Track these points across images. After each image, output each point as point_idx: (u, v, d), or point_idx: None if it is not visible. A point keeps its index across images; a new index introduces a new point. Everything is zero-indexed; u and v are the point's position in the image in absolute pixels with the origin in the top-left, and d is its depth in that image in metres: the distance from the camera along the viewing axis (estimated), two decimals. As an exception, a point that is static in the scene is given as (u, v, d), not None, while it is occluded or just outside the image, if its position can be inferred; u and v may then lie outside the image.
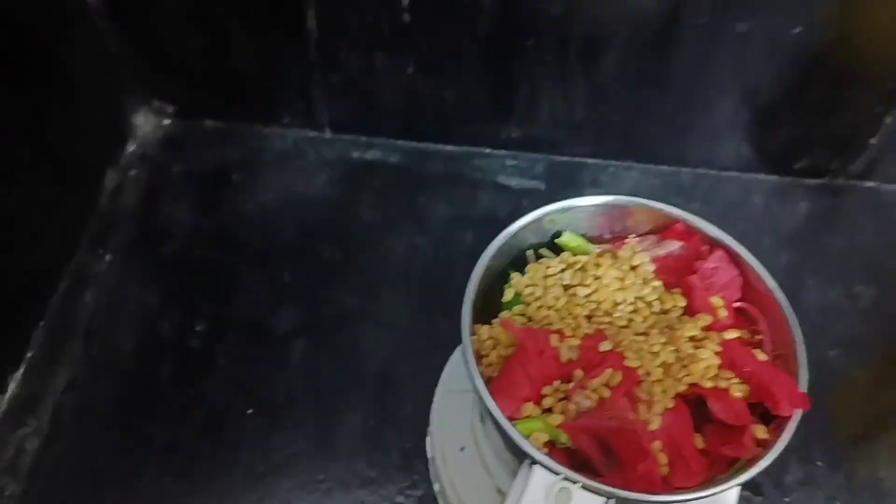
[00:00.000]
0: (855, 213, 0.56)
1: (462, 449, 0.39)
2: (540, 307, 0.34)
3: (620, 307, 0.34)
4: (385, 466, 0.43)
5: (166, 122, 0.57)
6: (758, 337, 0.33)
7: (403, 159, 0.57)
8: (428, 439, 0.42)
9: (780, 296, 0.32)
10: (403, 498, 0.42)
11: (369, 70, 0.52)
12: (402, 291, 0.50)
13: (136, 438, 0.43)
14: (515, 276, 0.36)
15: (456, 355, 0.43)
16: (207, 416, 0.44)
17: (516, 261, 0.37)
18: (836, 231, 0.55)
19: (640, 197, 0.36)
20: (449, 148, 0.58)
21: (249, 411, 0.44)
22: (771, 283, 0.33)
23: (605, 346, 0.31)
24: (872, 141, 0.53)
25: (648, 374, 0.30)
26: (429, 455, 0.42)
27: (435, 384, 0.46)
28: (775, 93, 0.51)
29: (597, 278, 0.34)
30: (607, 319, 0.34)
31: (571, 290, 0.34)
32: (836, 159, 0.55)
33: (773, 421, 0.30)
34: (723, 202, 0.56)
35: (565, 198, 0.36)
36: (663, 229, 0.36)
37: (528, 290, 0.35)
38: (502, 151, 0.58)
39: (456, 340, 0.47)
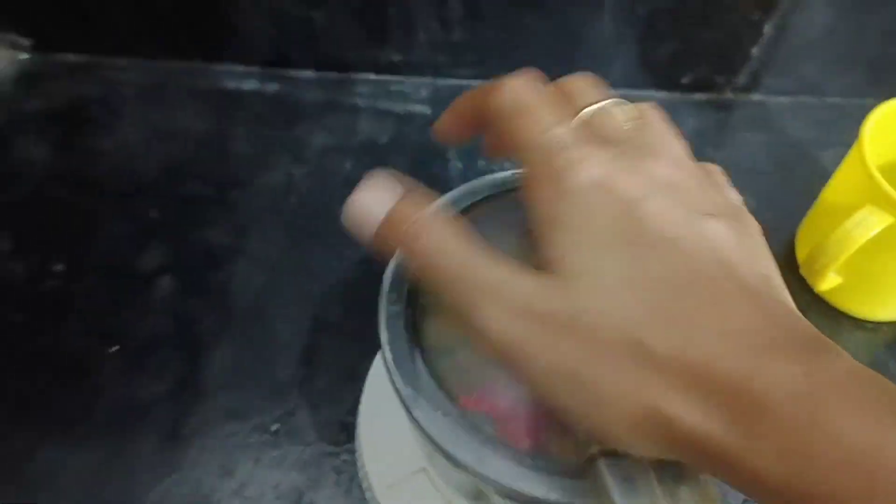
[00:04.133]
0: (742, 127, 0.55)
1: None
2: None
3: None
4: (256, 398, 0.41)
5: (22, 56, 0.54)
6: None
7: (280, 89, 0.54)
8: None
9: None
10: (279, 425, 0.41)
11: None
12: (276, 225, 0.48)
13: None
14: None
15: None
16: (64, 362, 0.42)
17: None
18: (723, 146, 0.54)
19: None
20: (330, 75, 0.55)
21: (114, 349, 0.42)
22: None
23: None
24: (754, 51, 0.52)
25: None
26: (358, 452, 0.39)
27: (307, 316, 0.44)
28: (653, 4, 0.50)
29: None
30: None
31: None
32: (720, 73, 0.55)
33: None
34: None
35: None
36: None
37: None
38: (386, 76, 0.55)
39: (332, 271, 0.46)
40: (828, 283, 0.45)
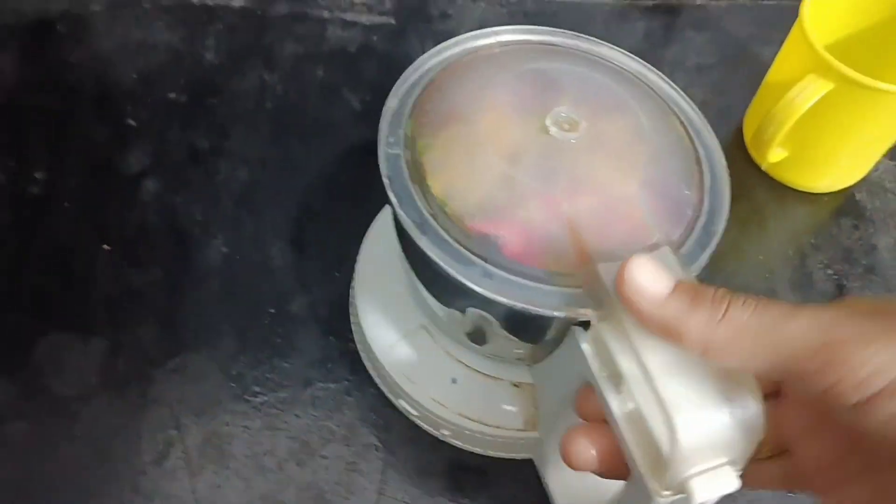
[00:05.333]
0: (687, 28, 0.59)
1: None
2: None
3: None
4: (249, 284, 0.43)
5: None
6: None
7: (247, 2, 0.55)
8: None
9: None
10: (274, 309, 0.42)
11: None
12: (254, 126, 0.49)
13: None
14: None
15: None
16: (55, 256, 0.42)
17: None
18: (671, 46, 0.58)
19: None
20: (293, -12, 0.56)
21: (105, 247, 0.43)
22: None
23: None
24: (694, -44, 0.56)
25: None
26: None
27: (294, 206, 0.46)
28: None
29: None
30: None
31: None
32: (666, -22, 0.58)
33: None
34: (567, 27, 0.58)
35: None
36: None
37: None
38: (350, -12, 0.57)
39: (314, 165, 0.47)
40: (774, 157, 0.49)
